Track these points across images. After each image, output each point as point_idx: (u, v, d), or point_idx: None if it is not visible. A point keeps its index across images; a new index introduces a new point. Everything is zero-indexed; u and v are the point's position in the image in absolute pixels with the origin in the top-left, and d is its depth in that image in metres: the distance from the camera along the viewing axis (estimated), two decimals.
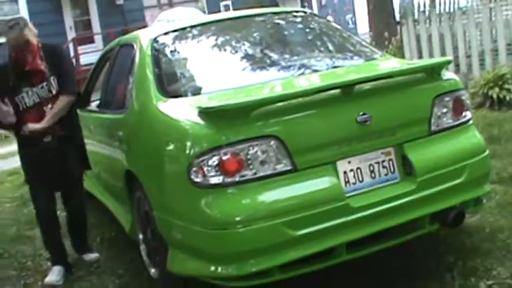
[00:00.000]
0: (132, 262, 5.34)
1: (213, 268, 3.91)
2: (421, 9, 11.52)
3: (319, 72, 4.87)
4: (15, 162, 9.15)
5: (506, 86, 9.13)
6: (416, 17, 11.36)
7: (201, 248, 3.96)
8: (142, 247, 5.05)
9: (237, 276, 3.86)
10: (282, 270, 3.86)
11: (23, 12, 20.80)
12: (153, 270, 4.86)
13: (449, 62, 4.66)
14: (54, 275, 5.32)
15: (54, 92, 5.21)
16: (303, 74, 4.88)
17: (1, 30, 5.33)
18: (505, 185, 5.64)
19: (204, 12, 29.64)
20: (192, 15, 7.53)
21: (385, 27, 13.24)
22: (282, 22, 5.92)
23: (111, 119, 5.47)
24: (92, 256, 5.66)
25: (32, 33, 5.22)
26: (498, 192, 5.44)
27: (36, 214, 5.45)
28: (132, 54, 5.30)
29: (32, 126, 5.12)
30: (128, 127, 4.99)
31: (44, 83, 5.19)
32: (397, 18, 12.61)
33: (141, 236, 5.05)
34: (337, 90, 4.02)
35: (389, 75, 4.22)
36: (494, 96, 9.10)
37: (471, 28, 10.64)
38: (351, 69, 4.93)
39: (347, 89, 4.01)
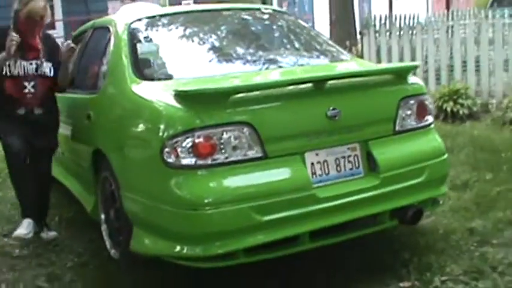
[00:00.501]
0: (92, 242, 5.37)
1: (178, 248, 4.00)
2: (382, 21, 11.74)
3: (292, 67, 5.03)
4: None
5: (460, 101, 9.44)
6: (377, 28, 11.57)
7: (169, 227, 4.05)
8: (103, 227, 5.10)
9: (202, 257, 3.96)
10: (246, 254, 3.97)
11: None
12: (113, 251, 4.92)
13: (416, 66, 4.85)
14: (24, 227, 5.29)
15: (39, 72, 5.41)
16: (276, 68, 5.03)
17: None
18: (457, 191, 5.87)
19: None
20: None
21: (347, 37, 13.46)
22: (254, 17, 6.05)
23: (82, 99, 5.52)
24: (50, 234, 5.65)
25: (48, 13, 5.47)
26: (451, 198, 5.66)
27: (8, 164, 5.39)
28: (106, 37, 5.39)
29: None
30: (100, 107, 5.06)
31: (34, 61, 5.39)
32: (358, 28, 12.85)
33: (103, 216, 5.10)
34: (310, 85, 4.17)
35: (360, 74, 4.42)
36: (449, 109, 9.39)
37: (430, 43, 10.90)
38: (323, 66, 5.12)
39: (320, 83, 4.16)
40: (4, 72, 5.31)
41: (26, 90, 5.37)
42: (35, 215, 5.46)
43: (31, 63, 5.37)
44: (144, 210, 4.25)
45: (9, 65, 5.30)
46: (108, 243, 5.02)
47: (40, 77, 5.42)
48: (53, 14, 21.15)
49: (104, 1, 22.47)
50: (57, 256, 5.24)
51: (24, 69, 5.35)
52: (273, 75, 4.85)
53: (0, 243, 5.66)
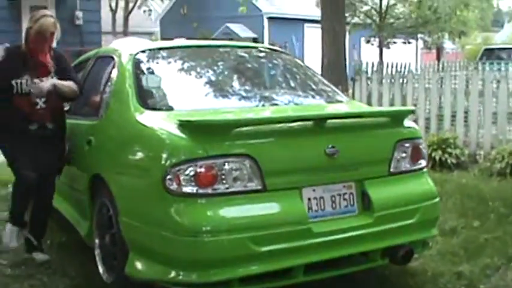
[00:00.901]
0: (84, 266, 5.40)
1: (174, 274, 4.09)
2: (374, 68, 11.94)
3: (295, 104, 5.19)
4: None
5: (449, 150, 9.57)
6: (369, 75, 11.76)
7: (166, 253, 4.13)
8: (97, 252, 5.14)
9: (197, 284, 4.05)
10: (241, 283, 4.05)
11: None
12: (106, 275, 4.96)
13: (412, 111, 5.01)
14: (12, 238, 5.46)
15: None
16: (273, 105, 5.19)
17: (33, 16, 5.51)
18: (445, 236, 5.97)
19: None
20: None
21: (338, 81, 13.62)
22: (252, 55, 6.22)
23: (83, 125, 5.61)
24: (42, 257, 5.67)
25: (58, 29, 5.56)
26: (439, 242, 5.75)
27: (15, 187, 5.44)
28: (110, 66, 5.52)
29: (40, 83, 5.36)
30: (101, 133, 5.16)
31: (45, 78, 5.42)
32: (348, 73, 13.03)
33: (97, 241, 5.14)
34: (311, 122, 4.31)
35: (360, 115, 4.56)
36: (437, 158, 9.51)
37: (421, 93, 11.07)
38: (321, 105, 5.26)
39: (320, 122, 4.30)
40: (15, 91, 5.35)
41: (38, 106, 5.42)
42: (22, 224, 5.54)
43: (42, 80, 5.38)
44: (142, 235, 4.33)
45: (20, 83, 5.35)
46: (101, 268, 5.06)
47: (50, 94, 5.43)
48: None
49: (98, 34, 22.76)
50: (49, 278, 5.27)
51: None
52: (275, 111, 4.98)
53: None
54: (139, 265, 4.36)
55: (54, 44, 5.69)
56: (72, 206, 5.99)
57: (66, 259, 5.71)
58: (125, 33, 34.81)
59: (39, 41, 5.42)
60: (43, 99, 5.42)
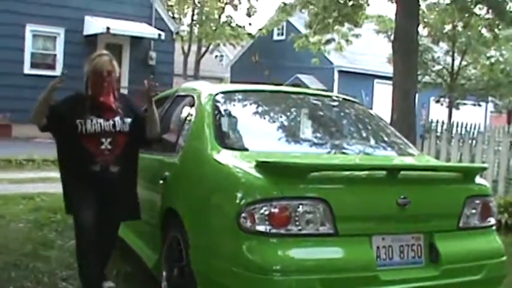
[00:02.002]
0: None
1: None
2: (444, 127, 11.96)
3: (366, 154, 5.30)
4: (31, 187, 9.49)
5: None
6: (438, 133, 11.78)
7: None
8: (164, 284, 5.27)
9: None
10: None
11: (58, 49, 21.68)
12: None
13: (485, 168, 5.06)
14: None
15: (117, 128, 5.37)
16: (349, 153, 5.34)
17: (90, 57, 5.50)
18: None
19: None
20: None
21: (407, 137, 13.64)
22: (325, 103, 6.40)
23: (158, 160, 5.81)
24: (108, 285, 5.75)
25: (116, 69, 5.49)
26: None
27: (77, 238, 5.33)
28: (190, 105, 5.73)
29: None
30: (177, 169, 5.34)
31: (111, 119, 5.37)
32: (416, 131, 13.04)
33: (165, 273, 5.27)
34: (385, 172, 4.40)
35: (433, 169, 4.65)
36: (503, 221, 9.45)
37: (490, 154, 11.04)
38: (395, 157, 5.38)
39: (394, 172, 4.39)
40: (79, 131, 5.27)
41: (103, 147, 5.31)
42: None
43: (107, 120, 5.32)
44: (212, 269, 4.44)
45: (84, 123, 5.27)
46: None
47: (117, 133, 5.37)
48: (119, 81, 22.02)
49: (170, 75, 23.32)
50: None
51: (100, 126, 5.31)
52: (349, 159, 5.10)
53: (60, 287, 5.89)
54: None
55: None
56: (140, 237, 6.16)
57: None
58: (196, 76, 35.40)
59: (97, 82, 5.34)
60: (109, 139, 5.33)
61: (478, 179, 4.92)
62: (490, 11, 13.92)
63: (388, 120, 14.86)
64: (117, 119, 5.38)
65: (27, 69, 21.26)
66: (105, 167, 5.33)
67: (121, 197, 5.47)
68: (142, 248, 6.02)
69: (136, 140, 5.56)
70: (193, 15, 39.21)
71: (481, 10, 14.71)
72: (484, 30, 18.05)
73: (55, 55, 21.95)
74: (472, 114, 30.25)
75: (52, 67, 21.40)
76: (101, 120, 5.32)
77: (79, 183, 5.36)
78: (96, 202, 5.29)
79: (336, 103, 6.47)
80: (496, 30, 15.69)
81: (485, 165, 5.57)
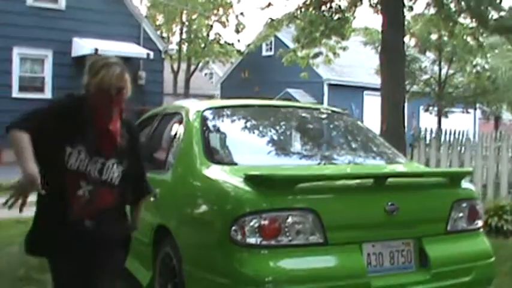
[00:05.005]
0: None
1: None
2: (433, 135, 12.04)
3: (355, 164, 5.38)
4: (25, 212, 9.41)
5: (505, 217, 9.58)
6: (428, 141, 11.88)
7: None
8: None
9: None
10: None
11: (47, 71, 21.69)
12: None
13: (470, 172, 5.15)
14: None
15: (103, 177, 3.80)
16: (338, 163, 5.41)
17: (92, 65, 3.80)
18: None
19: None
20: None
21: (396, 147, 13.73)
22: (313, 115, 6.48)
23: (148, 178, 5.81)
24: None
25: (128, 85, 3.83)
26: None
27: None
28: (178, 122, 5.77)
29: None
30: (167, 186, 5.39)
31: (108, 161, 3.82)
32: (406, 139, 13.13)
33: None
34: (372, 180, 4.47)
35: (419, 175, 4.73)
36: (493, 224, 9.52)
37: (478, 160, 11.14)
38: (384, 165, 5.47)
39: (381, 179, 4.46)
40: (65, 161, 3.72)
41: (80, 193, 3.74)
42: None
43: (96, 162, 3.76)
44: (205, 283, 4.49)
45: (71, 154, 3.72)
46: None
47: (101, 184, 3.79)
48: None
49: (160, 94, 23.40)
50: None
51: (86, 165, 3.75)
52: (336, 169, 5.17)
53: None
54: None
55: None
56: (132, 256, 6.15)
57: None
58: (186, 95, 35.53)
59: (103, 102, 3.72)
60: (89, 188, 3.75)
61: (464, 183, 5.00)
62: (474, 19, 14.03)
63: (378, 132, 15.01)
64: (109, 163, 3.82)
65: (15, 93, 21.16)
66: (78, 220, 3.76)
67: (111, 250, 4.02)
68: (136, 267, 6.05)
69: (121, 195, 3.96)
70: (181, 33, 39.42)
71: (465, 19, 14.80)
72: (469, 39, 18.15)
73: (43, 78, 21.96)
74: (461, 122, 30.35)
75: (40, 90, 21.47)
76: (89, 157, 3.75)
77: (54, 236, 3.83)
78: (77, 258, 3.84)
79: (324, 115, 6.54)
80: (480, 38, 15.81)
81: (469, 169, 5.65)
